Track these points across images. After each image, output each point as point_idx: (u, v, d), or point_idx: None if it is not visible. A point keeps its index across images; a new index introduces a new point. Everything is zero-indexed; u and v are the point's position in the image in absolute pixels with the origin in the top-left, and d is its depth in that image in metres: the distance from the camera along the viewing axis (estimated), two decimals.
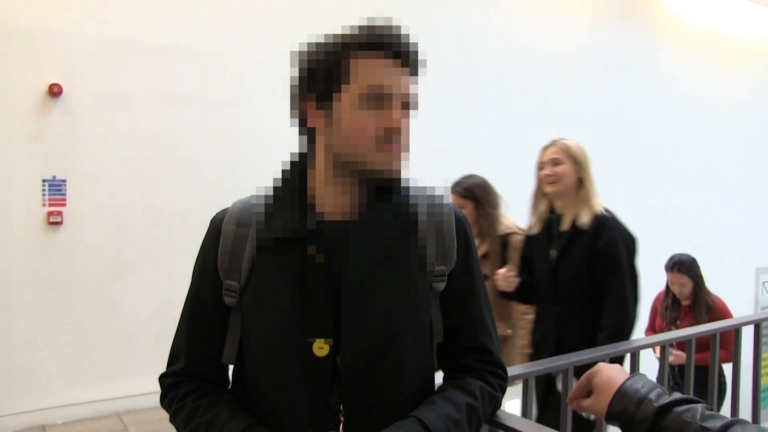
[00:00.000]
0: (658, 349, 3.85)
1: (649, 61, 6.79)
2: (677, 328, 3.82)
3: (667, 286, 3.99)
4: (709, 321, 3.66)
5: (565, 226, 2.51)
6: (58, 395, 3.90)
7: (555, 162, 2.48)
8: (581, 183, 2.47)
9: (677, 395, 0.96)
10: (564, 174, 2.47)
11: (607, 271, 2.40)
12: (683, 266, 3.85)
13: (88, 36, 3.97)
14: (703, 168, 7.26)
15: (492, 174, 5.86)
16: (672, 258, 3.92)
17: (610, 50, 6.47)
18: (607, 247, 2.38)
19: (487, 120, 5.58)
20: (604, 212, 2.45)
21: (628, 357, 2.31)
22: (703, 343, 3.52)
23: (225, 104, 4.36)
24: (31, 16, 3.81)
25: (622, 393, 0.99)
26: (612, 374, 1.03)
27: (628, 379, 1.01)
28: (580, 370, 1.57)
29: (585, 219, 2.43)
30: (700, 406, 0.94)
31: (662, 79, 6.90)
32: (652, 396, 0.97)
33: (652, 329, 4.13)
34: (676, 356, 3.62)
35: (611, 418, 1.02)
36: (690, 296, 3.87)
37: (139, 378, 3.73)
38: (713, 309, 3.79)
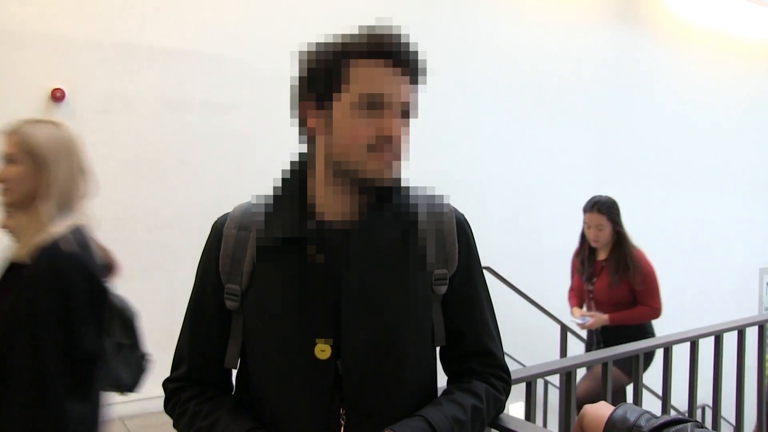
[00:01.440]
0: (576, 311, 3.55)
1: (650, 62, 6.79)
2: (593, 286, 3.45)
3: (582, 236, 3.51)
4: (631, 277, 3.30)
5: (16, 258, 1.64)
6: None
7: (10, 159, 1.62)
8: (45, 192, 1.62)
9: (666, 417, 0.97)
10: (17, 180, 1.61)
11: None
12: (603, 206, 3.35)
13: (91, 40, 3.98)
14: (707, 168, 7.26)
15: (493, 175, 5.86)
16: (591, 198, 3.44)
17: (611, 51, 6.47)
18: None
19: (489, 121, 5.59)
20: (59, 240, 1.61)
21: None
22: (623, 302, 3.34)
23: (227, 108, 4.37)
24: (32, 20, 3.82)
25: (611, 425, 1.00)
26: (597, 411, 1.04)
27: (614, 410, 1.02)
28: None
29: (25, 250, 1.59)
30: (689, 425, 0.94)
31: (665, 80, 6.90)
32: (641, 422, 0.98)
33: (572, 289, 3.71)
34: (594, 318, 3.37)
35: None
36: (607, 246, 3.39)
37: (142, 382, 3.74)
38: (633, 264, 3.30)
